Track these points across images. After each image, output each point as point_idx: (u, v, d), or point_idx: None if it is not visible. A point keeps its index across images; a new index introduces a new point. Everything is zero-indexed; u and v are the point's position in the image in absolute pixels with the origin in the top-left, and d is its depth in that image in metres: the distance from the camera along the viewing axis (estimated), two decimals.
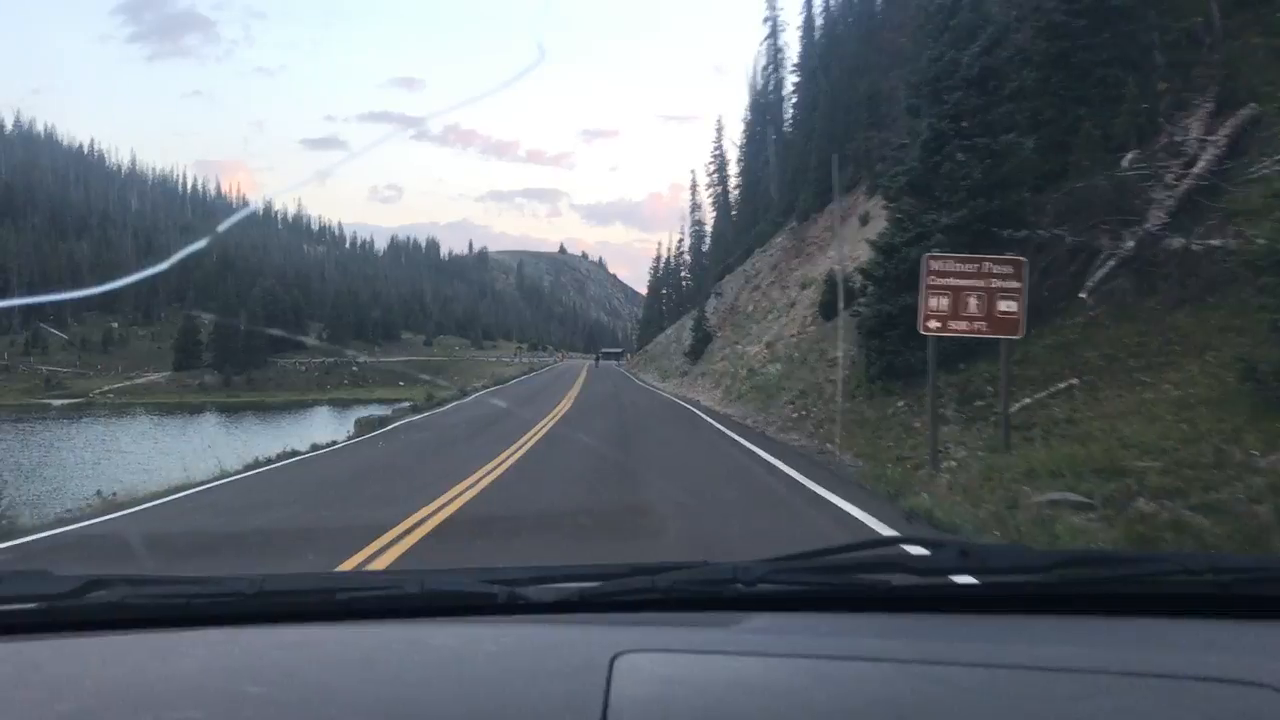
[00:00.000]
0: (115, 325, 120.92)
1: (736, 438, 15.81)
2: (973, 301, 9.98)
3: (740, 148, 59.97)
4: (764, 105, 56.72)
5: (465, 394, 33.28)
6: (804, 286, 30.50)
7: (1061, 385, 11.23)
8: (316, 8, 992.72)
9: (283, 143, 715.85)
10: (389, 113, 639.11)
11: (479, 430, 18.35)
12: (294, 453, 15.07)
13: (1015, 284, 9.95)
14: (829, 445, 14.53)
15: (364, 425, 19.18)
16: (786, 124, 52.36)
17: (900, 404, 14.33)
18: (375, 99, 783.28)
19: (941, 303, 10.07)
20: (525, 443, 14.75)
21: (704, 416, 21.50)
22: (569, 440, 15.85)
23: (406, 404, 26.62)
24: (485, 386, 40.18)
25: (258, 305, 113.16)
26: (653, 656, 1.22)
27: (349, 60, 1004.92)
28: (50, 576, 1.55)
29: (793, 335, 25.53)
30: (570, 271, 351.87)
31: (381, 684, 1.20)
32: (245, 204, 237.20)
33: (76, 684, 1.24)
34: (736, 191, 62.64)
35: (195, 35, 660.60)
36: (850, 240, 30.86)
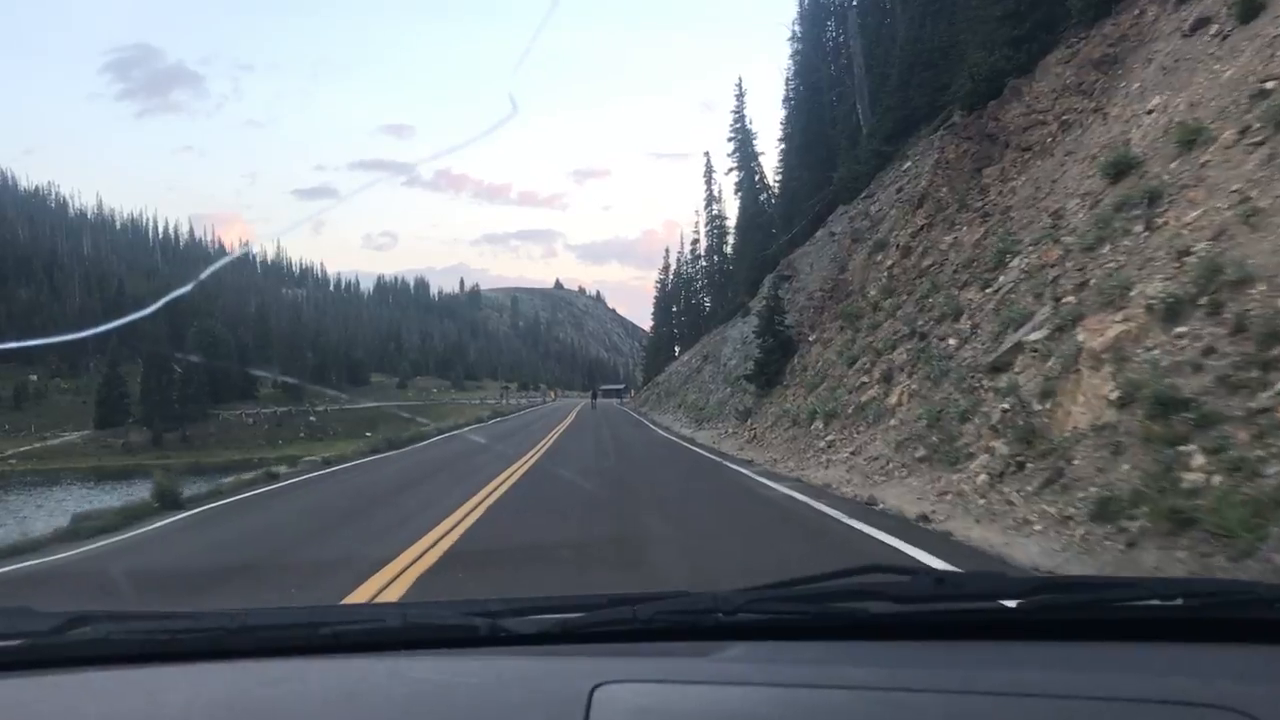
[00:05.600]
0: (34, 378, 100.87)
1: None
2: None
3: (788, 80, 40.00)
4: (822, 8, 37.02)
5: (329, 463, 18.08)
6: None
7: None
8: (304, 58, 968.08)
9: (275, 194, 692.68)
10: (380, 160, 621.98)
11: None
12: None
13: None
14: None
15: None
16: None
17: None
18: (366, 147, 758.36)
19: None
20: None
21: None
22: None
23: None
24: (378, 450, 20.32)
25: (195, 350, 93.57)
26: (632, 687, 1.19)
27: (338, 110, 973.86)
28: (32, 613, 1.48)
29: None
30: (567, 307, 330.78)
31: (364, 716, 1.18)
32: (222, 248, 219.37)
33: None
34: (780, 147, 42.60)
35: (184, 90, 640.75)
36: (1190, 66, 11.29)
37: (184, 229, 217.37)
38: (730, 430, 22.80)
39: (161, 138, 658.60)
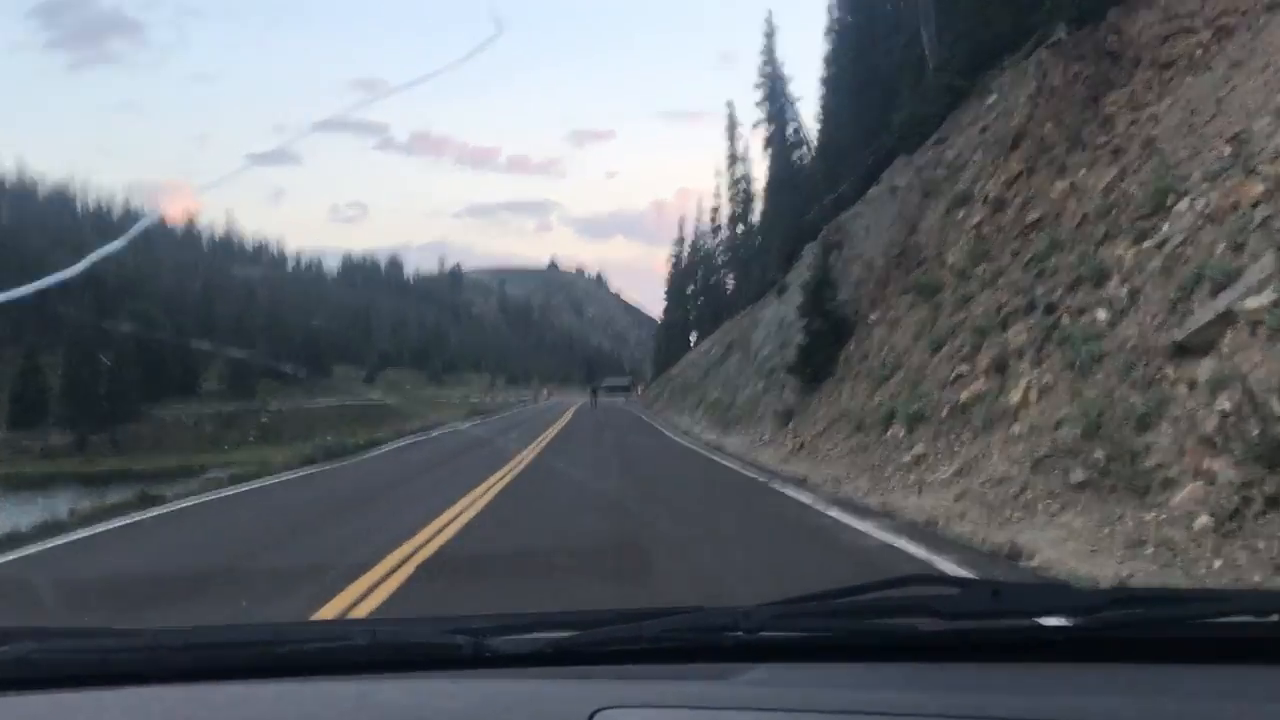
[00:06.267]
0: None
1: None
2: None
3: (831, 8, 37.60)
4: None
5: (237, 480, 14.67)
6: None
7: None
8: (260, 3, 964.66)
9: (227, 158, 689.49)
10: (347, 119, 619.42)
11: None
12: None
13: None
14: None
15: None
16: None
17: None
18: (331, 105, 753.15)
19: None
20: None
21: None
22: None
23: None
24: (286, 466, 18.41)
25: (127, 339, 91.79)
26: (637, 714, 1.17)
27: (299, 62, 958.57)
28: None
29: None
30: (564, 290, 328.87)
31: None
32: (163, 222, 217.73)
33: None
34: (821, 91, 40.20)
35: (122, 40, 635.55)
36: None
37: (119, 199, 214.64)
38: (766, 436, 20.71)
39: (95, 94, 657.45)
